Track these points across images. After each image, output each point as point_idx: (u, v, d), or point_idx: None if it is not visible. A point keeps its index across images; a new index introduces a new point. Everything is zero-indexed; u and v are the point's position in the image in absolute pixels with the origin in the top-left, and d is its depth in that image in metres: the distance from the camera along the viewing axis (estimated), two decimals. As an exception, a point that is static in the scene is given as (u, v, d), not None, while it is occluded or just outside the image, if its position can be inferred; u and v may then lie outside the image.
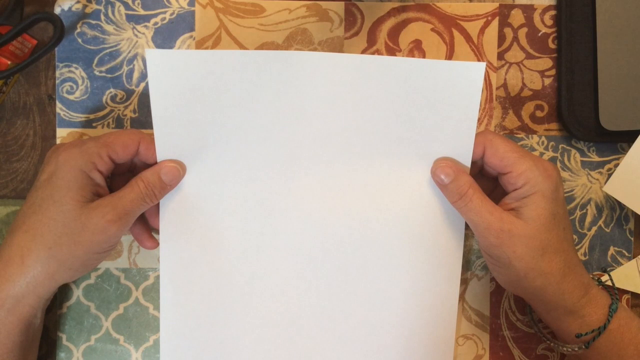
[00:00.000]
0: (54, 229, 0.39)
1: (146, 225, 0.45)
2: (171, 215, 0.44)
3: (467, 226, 0.45)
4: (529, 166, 0.41)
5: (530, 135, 0.49)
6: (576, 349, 0.43)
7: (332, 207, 0.45)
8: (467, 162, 0.43)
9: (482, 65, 0.42)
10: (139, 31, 0.47)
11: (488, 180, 0.45)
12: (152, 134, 0.42)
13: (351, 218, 0.45)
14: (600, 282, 0.47)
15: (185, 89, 0.42)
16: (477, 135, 0.43)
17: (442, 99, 0.42)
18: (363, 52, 0.48)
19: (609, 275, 0.47)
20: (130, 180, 0.42)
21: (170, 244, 0.45)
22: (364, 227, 0.45)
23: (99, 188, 0.41)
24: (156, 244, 0.45)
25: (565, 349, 0.44)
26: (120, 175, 0.44)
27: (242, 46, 0.48)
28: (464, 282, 0.49)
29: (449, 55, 0.48)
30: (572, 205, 0.49)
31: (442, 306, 0.46)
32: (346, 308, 0.46)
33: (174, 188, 0.44)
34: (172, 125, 0.42)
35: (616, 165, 0.48)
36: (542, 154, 0.49)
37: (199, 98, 0.42)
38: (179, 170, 0.43)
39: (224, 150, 0.44)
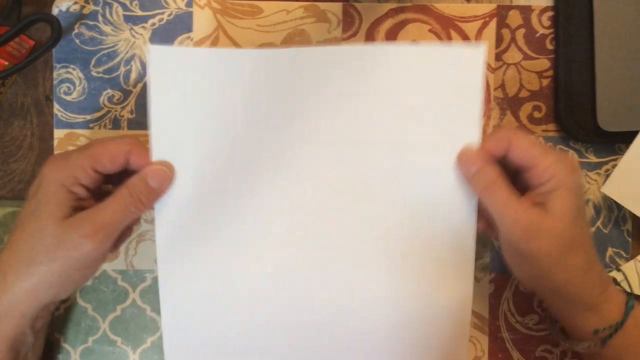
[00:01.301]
0: (31, 246, 0.38)
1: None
2: (168, 219, 0.43)
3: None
4: (554, 160, 0.40)
5: (528, 136, 0.49)
6: (592, 346, 0.42)
7: (335, 205, 0.44)
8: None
9: (484, 47, 0.41)
10: (136, 32, 0.47)
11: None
12: (144, 142, 0.41)
13: (354, 215, 0.44)
14: (615, 282, 0.46)
15: (186, 87, 0.41)
16: (500, 130, 0.42)
17: (444, 83, 0.42)
18: (361, 53, 0.48)
19: (623, 272, 0.47)
20: (116, 189, 0.40)
21: (168, 249, 0.43)
22: (371, 226, 0.44)
23: (82, 202, 0.40)
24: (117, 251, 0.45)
25: (580, 347, 0.43)
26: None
27: (240, 47, 0.48)
28: (462, 283, 0.49)
29: (447, 56, 0.48)
30: (570, 206, 0.49)
31: (455, 304, 0.45)
32: (353, 310, 0.45)
33: (166, 192, 0.41)
34: (171, 125, 0.41)
35: (614, 166, 0.48)
36: (540, 155, 0.49)
37: (200, 96, 0.41)
38: (166, 172, 0.40)
39: (226, 150, 0.42)
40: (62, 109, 0.47)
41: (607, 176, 0.48)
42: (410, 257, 0.44)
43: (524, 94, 0.49)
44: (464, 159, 0.42)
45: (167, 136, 0.41)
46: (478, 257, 0.49)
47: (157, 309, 0.48)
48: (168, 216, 0.42)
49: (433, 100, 0.42)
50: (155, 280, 0.48)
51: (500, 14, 0.49)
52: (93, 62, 0.47)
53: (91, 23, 0.47)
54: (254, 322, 0.45)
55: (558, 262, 0.40)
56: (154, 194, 0.40)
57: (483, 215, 0.44)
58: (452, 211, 0.43)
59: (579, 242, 0.40)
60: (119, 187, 0.40)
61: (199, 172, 0.42)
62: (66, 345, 0.48)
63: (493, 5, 0.48)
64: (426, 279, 0.45)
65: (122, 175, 0.41)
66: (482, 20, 0.48)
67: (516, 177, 0.43)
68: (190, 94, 0.41)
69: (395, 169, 0.43)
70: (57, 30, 0.44)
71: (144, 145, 0.41)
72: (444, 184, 0.43)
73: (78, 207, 0.39)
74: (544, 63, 0.49)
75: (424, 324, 0.45)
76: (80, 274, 0.40)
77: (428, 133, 0.43)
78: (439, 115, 0.43)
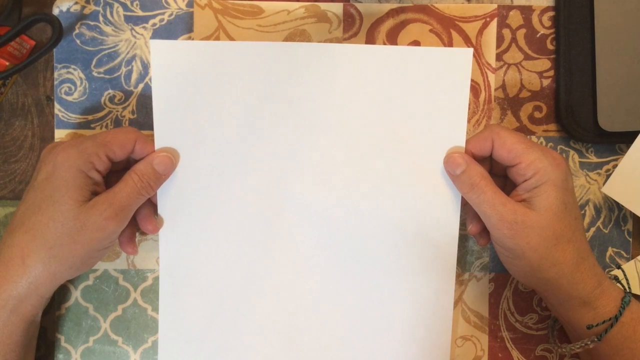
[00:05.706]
0: (53, 229, 0.40)
1: (132, 229, 0.46)
2: (170, 210, 0.45)
3: (462, 226, 0.45)
4: (538, 156, 0.41)
5: (528, 136, 0.49)
6: (588, 342, 0.42)
7: (330, 202, 0.45)
8: (461, 149, 0.44)
9: (470, 51, 0.43)
10: (137, 32, 0.47)
11: (497, 178, 0.45)
12: (148, 134, 0.42)
13: (347, 213, 0.45)
14: (617, 280, 0.46)
15: (188, 80, 0.43)
16: (484, 129, 0.43)
17: (433, 84, 0.43)
18: (361, 53, 0.48)
19: (622, 269, 0.47)
20: (124, 175, 0.42)
21: (170, 240, 0.45)
22: (360, 223, 0.45)
23: (96, 187, 0.42)
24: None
25: (577, 346, 0.43)
26: (116, 171, 0.44)
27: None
28: (463, 283, 0.49)
29: (448, 57, 0.49)
30: (571, 206, 0.49)
31: (438, 305, 0.46)
32: (342, 305, 0.46)
33: (169, 177, 0.44)
34: (173, 117, 0.43)
35: (614, 166, 0.48)
36: (540, 155, 0.49)
37: (201, 89, 0.43)
38: (171, 159, 0.43)
39: (225, 142, 0.44)
40: (63, 109, 0.47)
41: (608, 176, 0.48)
42: (395, 252, 0.45)
43: (524, 94, 0.49)
44: (449, 161, 0.43)
45: (169, 125, 0.44)
46: (477, 256, 0.49)
47: (158, 309, 0.48)
48: (170, 201, 0.45)
49: (421, 102, 0.44)
50: (156, 280, 0.48)
51: (501, 14, 0.49)
52: (94, 62, 0.47)
53: (92, 23, 0.47)
54: (252, 320, 0.46)
55: (546, 257, 0.41)
56: (161, 178, 0.43)
57: (476, 219, 0.44)
58: (438, 210, 0.45)
59: (567, 237, 0.41)
60: (128, 173, 0.42)
61: (199, 159, 0.44)
62: (67, 345, 0.48)
63: (494, 6, 0.48)
64: (410, 273, 0.46)
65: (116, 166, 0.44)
66: (482, 21, 0.48)
67: (507, 175, 0.44)
68: (190, 85, 0.43)
69: (384, 169, 0.45)
70: (58, 30, 0.44)
71: (147, 136, 0.44)
72: (430, 184, 0.45)
73: (94, 191, 0.42)
74: (544, 63, 0.49)
75: (408, 317, 0.46)
76: (98, 254, 0.42)
77: (416, 134, 0.44)
78: (427, 117, 0.44)
